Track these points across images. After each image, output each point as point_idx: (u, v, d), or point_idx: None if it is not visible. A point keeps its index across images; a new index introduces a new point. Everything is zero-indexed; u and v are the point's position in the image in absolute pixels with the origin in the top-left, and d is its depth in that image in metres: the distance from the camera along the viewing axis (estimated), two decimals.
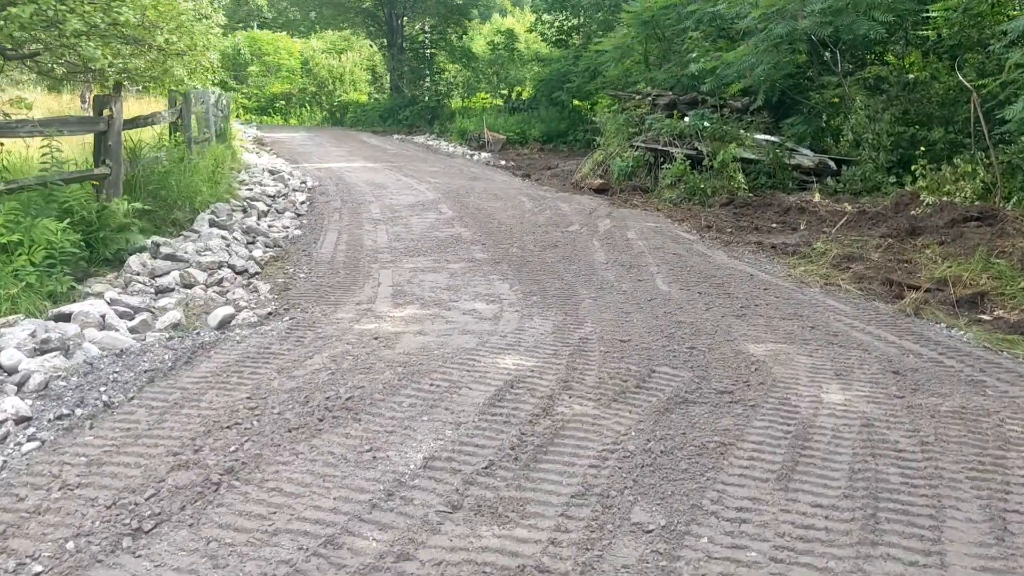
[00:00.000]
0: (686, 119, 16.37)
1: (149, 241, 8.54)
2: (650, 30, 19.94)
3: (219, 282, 7.84)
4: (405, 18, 36.45)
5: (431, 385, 5.21)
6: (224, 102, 16.73)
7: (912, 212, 12.18)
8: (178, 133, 12.29)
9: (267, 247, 10.18)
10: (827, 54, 16.12)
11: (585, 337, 6.32)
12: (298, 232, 11.13)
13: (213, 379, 5.24)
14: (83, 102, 18.38)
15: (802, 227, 12.39)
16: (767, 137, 16.10)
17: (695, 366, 5.69)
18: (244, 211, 11.94)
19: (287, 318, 6.81)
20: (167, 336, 6.11)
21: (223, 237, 9.37)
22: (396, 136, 31.56)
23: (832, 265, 9.49)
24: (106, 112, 8.96)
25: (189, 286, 7.68)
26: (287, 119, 40.86)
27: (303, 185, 15.70)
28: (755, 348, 6.15)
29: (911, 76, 15.82)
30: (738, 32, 17.79)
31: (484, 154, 24.69)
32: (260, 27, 47.47)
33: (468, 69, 36.93)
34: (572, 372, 5.51)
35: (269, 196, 13.56)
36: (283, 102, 41.64)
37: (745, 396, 5.13)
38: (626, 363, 5.71)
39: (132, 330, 6.29)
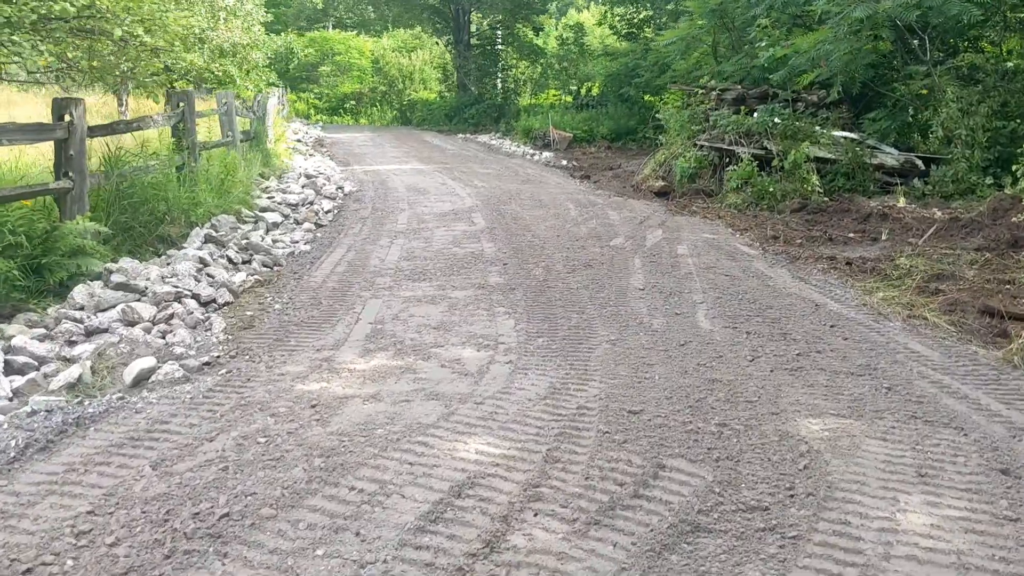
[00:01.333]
0: (755, 115, 14.58)
1: (104, 267, 7.23)
2: (717, 19, 18.12)
3: (168, 318, 6.49)
4: (473, 14, 35.06)
5: (351, 491, 3.72)
6: (260, 102, 15.51)
7: (1013, 219, 10.27)
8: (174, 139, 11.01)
9: (263, 266, 8.84)
10: (914, 41, 14.14)
11: (584, 406, 4.75)
12: (306, 247, 9.76)
13: (62, 479, 3.83)
14: (120, 104, 17.34)
15: (883, 237, 10.61)
16: (845, 134, 14.20)
17: (722, 458, 4.08)
18: (255, 223, 10.64)
19: (222, 371, 5.39)
20: (49, 403, 4.73)
21: (202, 259, 8.03)
22: (461, 135, 30.21)
23: (918, 289, 7.74)
24: (66, 117, 7.69)
25: (131, 324, 6.34)
26: (357, 119, 39.91)
27: (338, 191, 14.39)
28: (809, 425, 4.50)
29: (1010, 64, 13.76)
30: (812, 18, 15.92)
31: (546, 154, 23.15)
32: (335, 27, 46.67)
33: (536, 65, 35.37)
34: (551, 467, 3.95)
35: (291, 205, 12.25)
36: (353, 102, 40.68)
37: (785, 518, 3.51)
38: (628, 452, 4.13)
39: (17, 392, 4.95)
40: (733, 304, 7.20)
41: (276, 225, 10.74)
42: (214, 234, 9.33)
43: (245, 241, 9.48)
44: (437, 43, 39.53)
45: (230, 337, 6.19)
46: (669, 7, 26.54)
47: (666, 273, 8.39)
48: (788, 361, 5.63)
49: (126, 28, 7.52)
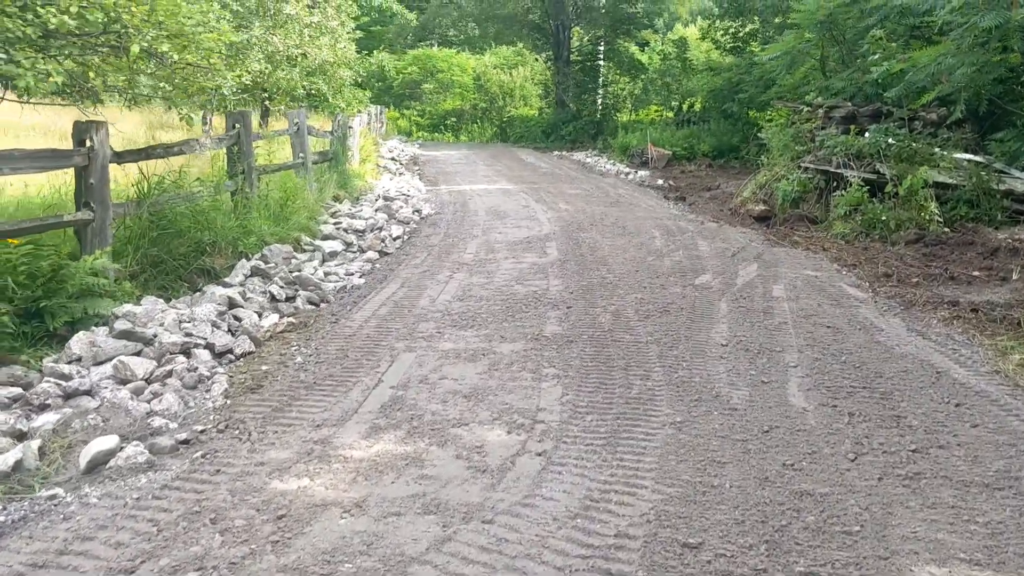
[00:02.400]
0: (866, 135, 13.04)
1: (111, 311, 6.34)
2: (826, 31, 16.53)
3: (165, 376, 5.53)
4: (573, 29, 33.96)
5: None
6: (341, 122, 14.71)
7: None
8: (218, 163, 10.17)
9: (309, 303, 7.90)
10: None
11: (626, 532, 3.54)
12: (360, 281, 8.79)
13: None
14: (204, 124, 16.78)
15: (1015, 276, 9.11)
16: (969, 157, 12.53)
17: None
18: (313, 252, 9.73)
19: (197, 454, 4.38)
20: None
21: (231, 299, 7.07)
22: (556, 153, 29.09)
23: None
24: (87, 142, 6.86)
25: (124, 382, 5.41)
26: (457, 136, 39.22)
27: (414, 215, 13.44)
28: None
29: None
30: (932, 28, 14.26)
31: (641, 172, 21.84)
32: (440, 45, 46.23)
33: (637, 81, 34.02)
34: None
35: (357, 231, 11.32)
36: (454, 119, 40.02)
37: None
38: None
39: None
40: (834, 369, 5.86)
41: (334, 255, 9.80)
42: (262, 266, 8.43)
43: (296, 274, 8.56)
44: (536, 59, 38.49)
45: (228, 402, 5.19)
46: (777, 20, 24.91)
47: (756, 323, 7.07)
48: (902, 461, 4.30)
49: (147, 43, 6.62)
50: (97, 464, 4.26)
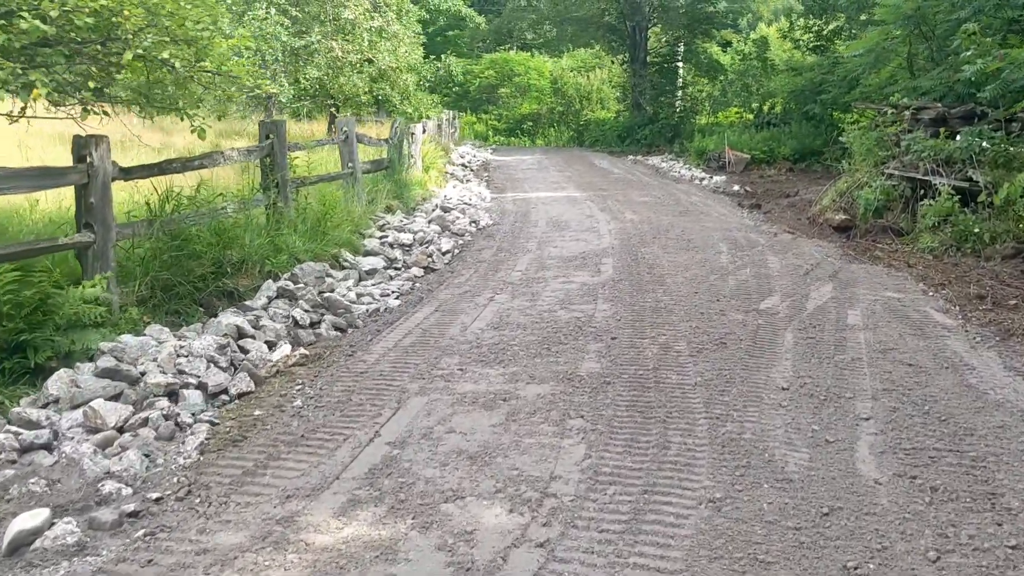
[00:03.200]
0: (957, 138, 11.80)
1: (98, 345, 5.72)
2: (913, 26, 15.24)
3: (140, 424, 4.86)
4: (650, 30, 32.86)
5: None
6: (398, 129, 14.05)
7: None
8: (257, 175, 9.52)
9: (335, 328, 7.22)
10: None
11: None
12: (395, 303, 8.08)
13: None
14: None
15: None
16: None
17: None
18: (351, 269, 9.05)
19: (138, 534, 3.67)
20: None
21: (239, 328, 6.40)
22: (631, 157, 28.07)
23: None
24: (87, 158, 6.26)
25: (94, 431, 4.75)
26: (533, 140, 38.45)
27: (471, 226, 12.71)
28: None
29: None
30: None
31: (717, 178, 20.73)
32: (519, 49, 45.52)
33: (716, 82, 32.74)
34: None
35: (404, 246, 10.61)
36: (531, 123, 39.25)
37: None
38: None
39: None
40: (915, 423, 4.88)
41: (373, 272, 9.10)
42: (290, 287, 7.76)
43: (326, 295, 7.87)
44: (612, 60, 37.41)
45: (200, 459, 4.48)
46: (863, 17, 23.48)
47: (825, 360, 6.10)
48: (998, 565, 3.34)
49: (143, 50, 5.97)
50: (20, 545, 3.58)
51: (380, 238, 10.60)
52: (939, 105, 13.37)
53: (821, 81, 23.56)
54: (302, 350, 6.43)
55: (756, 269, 9.45)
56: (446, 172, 20.72)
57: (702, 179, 20.71)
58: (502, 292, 8.33)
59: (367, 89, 18.72)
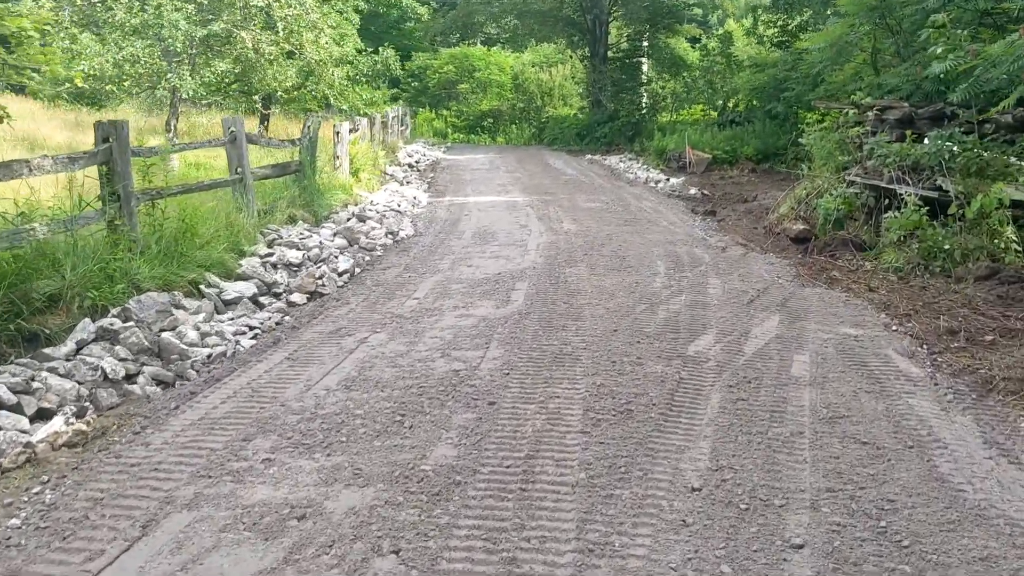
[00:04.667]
0: (925, 142, 10.39)
1: None
2: (878, 18, 13.84)
3: None
4: (611, 23, 31.33)
5: None
6: (310, 127, 12.47)
7: None
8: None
9: (155, 382, 5.72)
10: None
11: None
12: (250, 343, 6.62)
13: None
14: (169, 131, 14.76)
15: None
16: None
17: None
18: (211, 299, 7.51)
19: None
20: None
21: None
22: (589, 156, 26.58)
23: None
24: None
25: None
26: (494, 137, 36.88)
27: (387, 238, 11.24)
28: None
29: None
30: (1008, 15, 11.59)
31: (674, 180, 19.31)
32: (484, 43, 43.84)
33: (678, 79, 31.31)
34: None
35: (290, 265, 9.09)
36: (491, 120, 37.66)
37: None
38: None
39: None
40: (866, 554, 3.43)
41: (235, 303, 7.56)
42: (117, 325, 6.24)
43: (165, 335, 6.36)
44: (570, 55, 35.83)
45: None
46: (828, 12, 22.10)
47: (756, 436, 4.65)
48: None
49: None
50: None
51: (264, 256, 9.06)
52: (905, 104, 11.97)
53: (784, 78, 22.21)
54: (80, 424, 4.88)
55: (693, 296, 8.00)
56: (384, 174, 19.17)
57: (658, 182, 19.28)
58: (381, 330, 6.82)
59: (298, 84, 17.11)
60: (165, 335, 6.36)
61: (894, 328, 7.01)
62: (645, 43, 31.50)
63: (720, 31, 40.95)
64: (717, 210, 15.06)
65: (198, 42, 13.28)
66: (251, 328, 7.00)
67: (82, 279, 6.57)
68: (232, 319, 7.18)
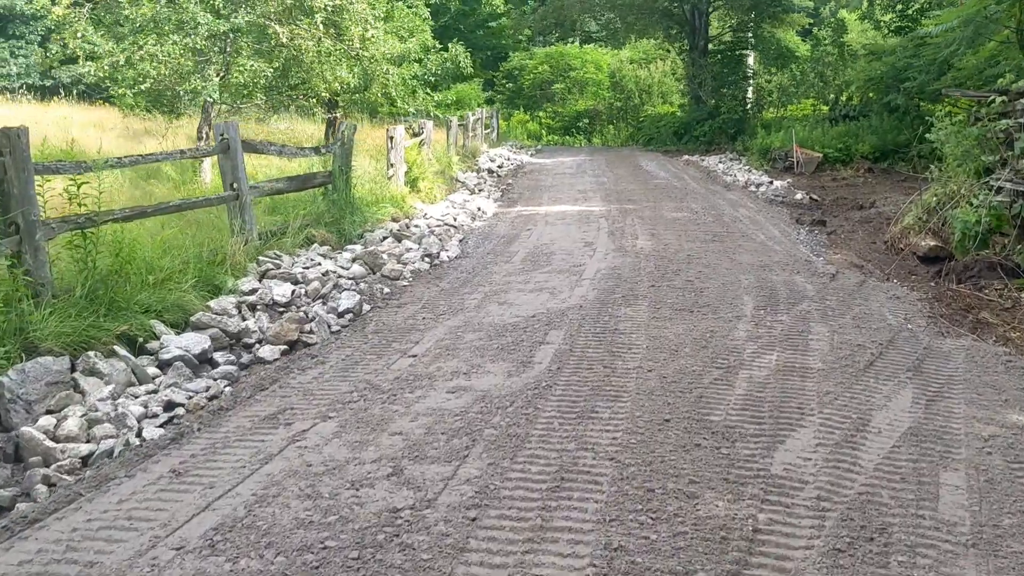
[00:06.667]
0: None
1: None
2: None
3: None
4: (711, 13, 28.61)
5: None
6: (344, 132, 10.56)
7: None
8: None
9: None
10: None
11: None
12: (157, 432, 4.70)
13: None
14: (201, 138, 13.16)
15: None
16: None
17: None
18: (142, 357, 5.61)
19: None
20: None
21: None
22: (686, 157, 24.02)
23: None
24: None
25: None
26: (590, 139, 34.52)
27: (423, 262, 9.26)
28: None
29: None
30: None
31: (778, 183, 16.73)
32: (582, 42, 41.50)
33: (786, 72, 28.36)
34: None
35: (276, 306, 7.13)
36: (587, 120, 35.31)
37: None
38: None
39: None
40: None
41: (169, 364, 5.61)
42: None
43: (36, 423, 4.51)
44: (668, 50, 33.10)
45: None
46: None
47: None
48: None
49: None
50: None
51: (247, 294, 7.13)
52: None
53: (904, 66, 19.26)
54: None
55: (789, 354, 5.69)
56: (456, 181, 17.19)
57: (759, 185, 16.70)
58: (335, 415, 4.76)
59: (360, 85, 15.29)
60: (27, 429, 4.46)
61: None
62: (749, 34, 28.65)
63: (832, 20, 37.61)
64: (827, 219, 12.56)
65: (224, 38, 11.55)
66: (172, 406, 5.04)
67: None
68: (152, 392, 5.24)
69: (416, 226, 11.27)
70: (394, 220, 11.54)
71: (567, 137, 34.89)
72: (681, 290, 7.60)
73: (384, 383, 5.30)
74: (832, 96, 26.29)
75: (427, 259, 9.51)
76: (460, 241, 10.82)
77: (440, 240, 10.56)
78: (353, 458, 4.12)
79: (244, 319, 6.69)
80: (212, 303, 6.71)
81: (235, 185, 8.20)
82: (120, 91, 10.84)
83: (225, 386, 5.46)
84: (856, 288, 7.80)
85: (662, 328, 6.35)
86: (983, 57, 14.51)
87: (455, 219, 12.45)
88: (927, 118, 14.59)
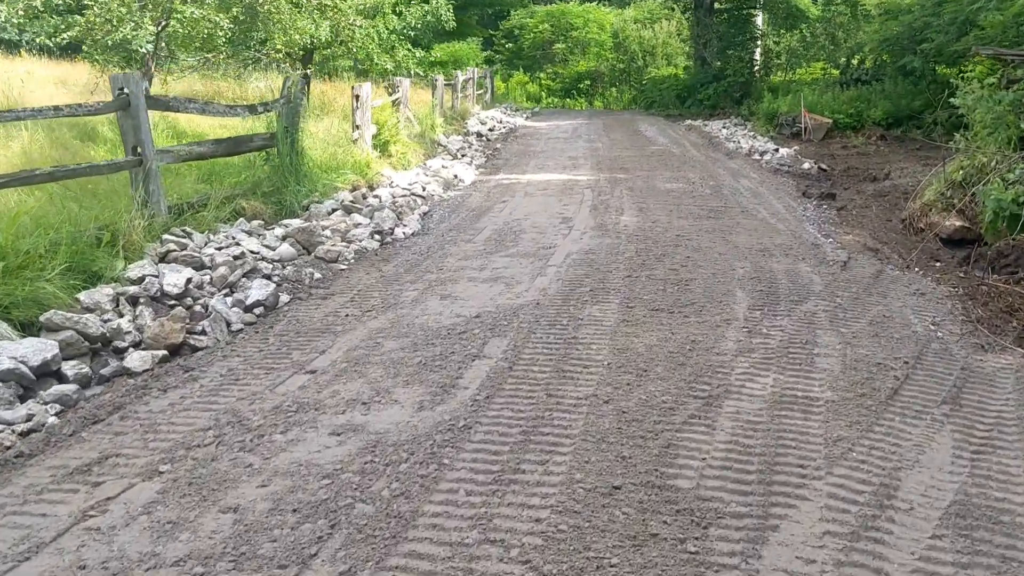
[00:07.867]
0: None
1: None
2: None
3: None
4: None
5: None
6: (290, 88, 9.17)
7: None
8: None
9: None
10: None
11: None
12: None
13: None
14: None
15: None
16: None
17: None
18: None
19: None
20: None
21: None
22: (688, 122, 22.48)
23: None
24: None
25: None
26: (591, 101, 32.89)
27: (371, 240, 7.96)
28: None
29: None
30: None
31: (784, 150, 15.27)
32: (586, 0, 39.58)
33: (795, 32, 26.68)
34: None
35: (165, 298, 5.81)
36: (588, 82, 33.64)
37: None
38: None
39: None
40: None
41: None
42: None
43: None
44: (673, 8, 31.34)
45: None
46: None
47: None
48: None
49: None
50: None
51: (133, 283, 5.80)
52: None
53: (922, 26, 17.65)
54: None
55: (788, 375, 4.36)
56: (438, 145, 15.76)
57: (764, 153, 15.26)
58: (162, 474, 3.46)
59: (328, 41, 13.81)
60: None
61: None
62: None
63: None
64: (837, 192, 11.15)
65: None
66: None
67: None
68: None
69: (376, 196, 9.91)
70: (354, 189, 10.20)
71: (567, 100, 33.27)
72: (662, 282, 6.24)
73: (255, 416, 3.98)
74: (843, 59, 24.63)
75: (377, 237, 8.17)
76: (423, 215, 9.47)
77: (399, 214, 9.18)
78: (149, 557, 2.81)
79: (121, 315, 5.38)
80: (83, 295, 5.40)
81: (138, 149, 6.83)
82: (40, 40, 9.43)
83: (54, 414, 4.15)
84: (872, 281, 6.44)
85: (632, 337, 5.01)
86: (1012, 13, 12.99)
87: (423, 188, 11.08)
88: (948, 81, 13.10)
